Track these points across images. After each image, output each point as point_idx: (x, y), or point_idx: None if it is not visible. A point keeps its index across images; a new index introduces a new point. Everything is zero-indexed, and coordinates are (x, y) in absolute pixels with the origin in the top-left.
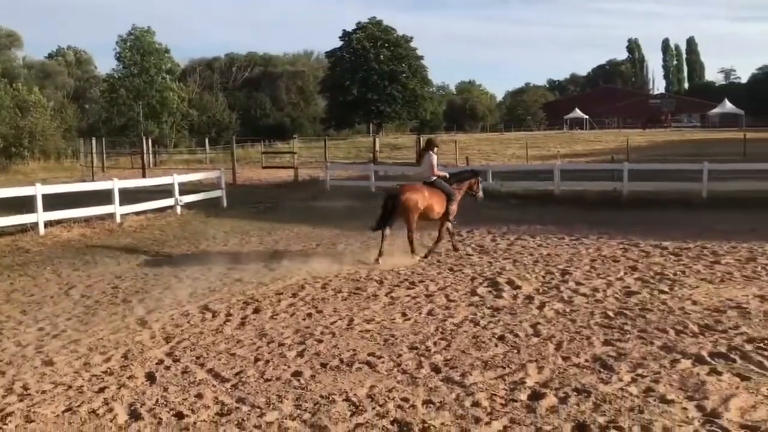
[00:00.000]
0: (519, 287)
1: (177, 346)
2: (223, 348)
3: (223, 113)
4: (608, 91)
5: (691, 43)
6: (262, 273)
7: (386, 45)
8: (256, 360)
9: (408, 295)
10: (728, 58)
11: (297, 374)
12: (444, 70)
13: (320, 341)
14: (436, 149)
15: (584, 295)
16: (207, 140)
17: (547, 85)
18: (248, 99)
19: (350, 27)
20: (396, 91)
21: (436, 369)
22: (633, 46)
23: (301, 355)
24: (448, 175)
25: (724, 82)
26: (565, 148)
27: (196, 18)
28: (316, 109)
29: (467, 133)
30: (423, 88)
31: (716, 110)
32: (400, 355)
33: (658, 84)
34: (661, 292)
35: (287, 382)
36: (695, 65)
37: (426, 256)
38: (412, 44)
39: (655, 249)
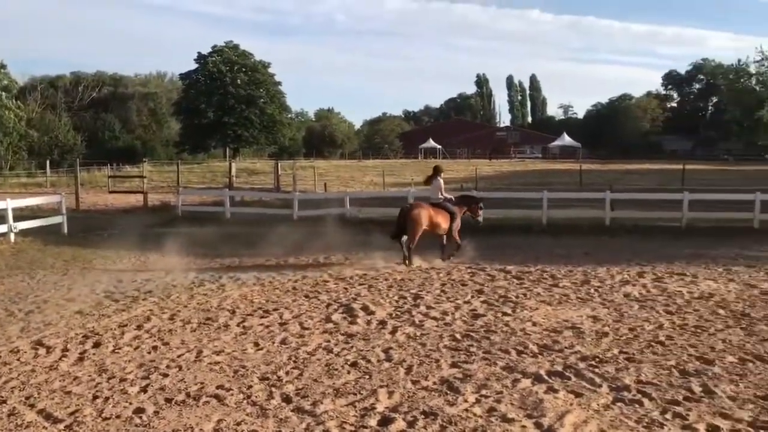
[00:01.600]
0: (373, 312)
1: (3, 387)
2: (57, 386)
3: (68, 134)
4: (459, 123)
5: (533, 80)
6: (104, 304)
7: (243, 69)
8: (95, 397)
9: (261, 324)
10: (567, 95)
11: (139, 411)
12: (302, 97)
13: (166, 375)
14: (442, 174)
15: (434, 318)
16: (48, 163)
17: (403, 116)
18: (96, 120)
19: (206, 50)
20: (254, 115)
21: (287, 399)
22: (482, 81)
23: (144, 390)
24: (453, 198)
25: (563, 117)
26: (420, 176)
27: (38, 33)
28: (170, 132)
29: (326, 160)
30: (281, 114)
31: (556, 143)
32: (250, 387)
33: (504, 117)
34: (505, 314)
35: (128, 420)
36: (537, 101)
37: (450, 256)
38: (270, 70)
39: (500, 273)
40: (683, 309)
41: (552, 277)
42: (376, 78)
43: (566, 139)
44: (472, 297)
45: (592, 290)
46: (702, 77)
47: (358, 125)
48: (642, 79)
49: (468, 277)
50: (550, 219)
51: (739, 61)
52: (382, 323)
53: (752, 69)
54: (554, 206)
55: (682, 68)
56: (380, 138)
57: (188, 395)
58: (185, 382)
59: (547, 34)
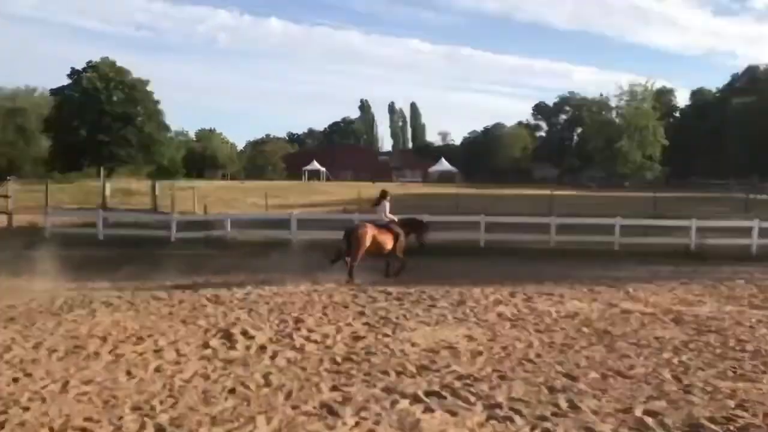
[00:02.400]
0: (253, 337)
1: None
2: None
3: None
4: (342, 147)
5: (414, 107)
6: None
7: (120, 86)
8: None
9: (134, 352)
10: (446, 122)
11: None
12: (183, 117)
13: (27, 409)
14: (389, 197)
15: (315, 341)
16: None
17: (287, 138)
18: None
19: (80, 65)
20: (130, 134)
21: (160, 429)
22: (365, 106)
23: (1, 426)
24: (396, 219)
25: (442, 144)
26: (304, 199)
27: None
28: (39, 149)
29: (207, 181)
30: (160, 133)
31: (435, 168)
32: (121, 418)
33: (386, 142)
34: (385, 335)
35: None
36: (418, 127)
37: (388, 275)
38: (149, 88)
39: (381, 294)
40: (551, 327)
41: (430, 298)
42: (259, 99)
43: (445, 165)
44: (354, 319)
45: (467, 310)
46: (568, 108)
47: (241, 146)
48: (514, 109)
49: (350, 299)
50: (429, 241)
51: (601, 94)
52: (262, 348)
53: (612, 103)
54: (432, 229)
55: (551, 100)
56: (263, 160)
57: (51, 429)
58: (49, 415)
59: (426, 62)
